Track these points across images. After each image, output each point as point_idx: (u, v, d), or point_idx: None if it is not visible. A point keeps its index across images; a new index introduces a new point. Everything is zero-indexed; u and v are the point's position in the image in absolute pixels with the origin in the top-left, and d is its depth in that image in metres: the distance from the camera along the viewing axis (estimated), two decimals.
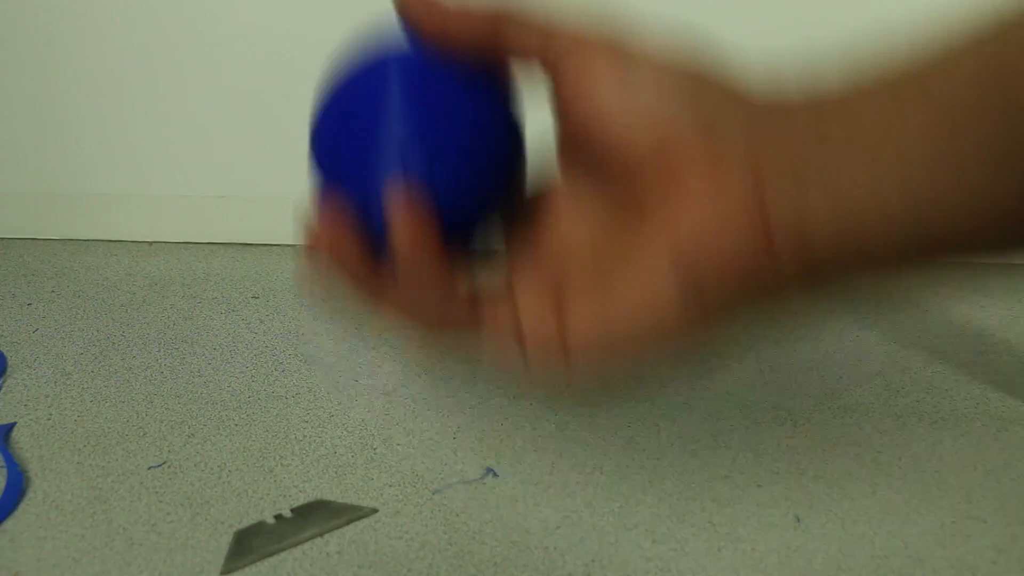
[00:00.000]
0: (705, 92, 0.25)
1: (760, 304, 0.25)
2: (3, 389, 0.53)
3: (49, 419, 0.50)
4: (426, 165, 0.28)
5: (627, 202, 0.26)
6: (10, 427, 0.49)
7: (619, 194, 0.26)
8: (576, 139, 0.28)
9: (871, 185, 0.22)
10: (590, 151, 0.27)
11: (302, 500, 0.43)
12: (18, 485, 0.44)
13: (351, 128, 0.29)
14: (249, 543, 0.40)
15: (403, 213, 0.27)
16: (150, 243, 0.75)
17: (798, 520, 0.42)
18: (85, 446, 0.47)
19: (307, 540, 0.41)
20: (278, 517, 0.42)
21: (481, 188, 0.29)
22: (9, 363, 0.56)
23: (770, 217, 0.23)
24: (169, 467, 0.46)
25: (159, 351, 0.58)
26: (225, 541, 0.41)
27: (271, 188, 0.74)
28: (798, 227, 0.23)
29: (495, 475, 0.45)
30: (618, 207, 0.27)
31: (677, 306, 0.24)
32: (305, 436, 0.49)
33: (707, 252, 0.23)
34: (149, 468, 0.46)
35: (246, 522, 0.42)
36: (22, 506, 0.43)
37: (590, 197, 0.28)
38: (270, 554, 0.40)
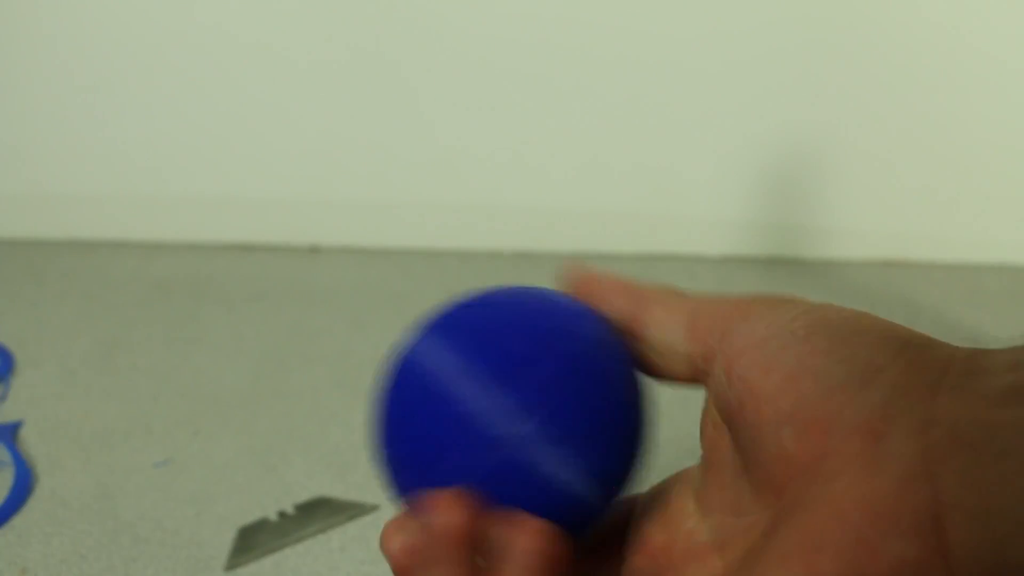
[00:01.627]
0: (876, 368, 0.19)
1: None
2: (11, 388, 0.53)
3: (56, 417, 0.50)
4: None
5: (766, 501, 0.21)
6: (17, 425, 0.49)
7: (757, 490, 0.21)
8: (724, 424, 0.23)
9: None
10: (737, 438, 0.22)
11: (305, 497, 0.44)
12: (25, 482, 0.44)
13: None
14: (253, 539, 0.41)
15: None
16: (155, 244, 0.76)
17: None
18: (91, 444, 0.48)
19: (310, 536, 0.41)
20: (281, 514, 0.43)
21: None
22: (16, 362, 0.56)
23: (947, 535, 0.17)
24: (174, 464, 0.47)
25: (164, 350, 0.58)
26: (229, 537, 0.41)
27: (275, 189, 0.74)
28: (989, 551, 0.16)
29: None
30: (753, 507, 0.21)
31: None
32: (308, 434, 0.49)
33: (855, 572, 0.18)
34: (154, 465, 0.46)
35: (250, 519, 0.42)
36: (29, 503, 0.43)
37: (726, 490, 0.23)
38: (274, 550, 0.40)
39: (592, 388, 0.23)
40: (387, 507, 0.43)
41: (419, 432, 0.24)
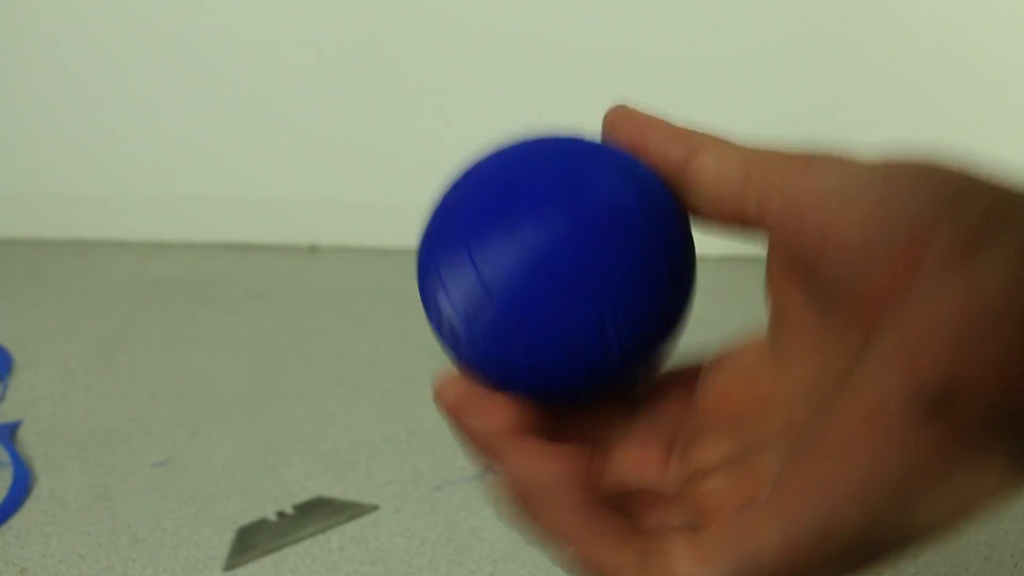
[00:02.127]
0: (965, 196, 0.19)
1: None
2: (9, 388, 0.53)
3: (54, 417, 0.50)
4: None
5: (854, 341, 0.20)
6: (16, 425, 0.49)
7: (843, 334, 0.21)
8: (796, 274, 0.22)
9: None
10: (815, 285, 0.21)
11: (304, 497, 0.44)
12: (24, 482, 0.44)
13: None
14: (252, 539, 0.41)
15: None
16: (154, 244, 0.76)
17: None
18: (90, 444, 0.48)
19: (309, 536, 0.41)
20: (280, 514, 0.43)
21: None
22: (15, 362, 0.56)
23: None
24: (173, 464, 0.46)
25: (163, 350, 0.58)
26: (228, 537, 0.41)
27: (274, 188, 0.74)
28: None
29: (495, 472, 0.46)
30: (840, 351, 0.21)
31: (918, 444, 0.18)
32: (307, 434, 0.49)
33: (960, 370, 0.17)
34: (153, 465, 0.46)
35: (249, 519, 0.42)
36: (28, 503, 0.43)
37: (805, 343, 0.22)
38: (273, 550, 0.40)
39: (632, 234, 0.23)
40: (386, 508, 0.43)
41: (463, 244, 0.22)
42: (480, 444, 0.23)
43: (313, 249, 0.75)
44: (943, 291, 0.18)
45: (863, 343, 0.19)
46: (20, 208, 0.75)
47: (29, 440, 0.48)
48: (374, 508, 0.43)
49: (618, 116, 0.26)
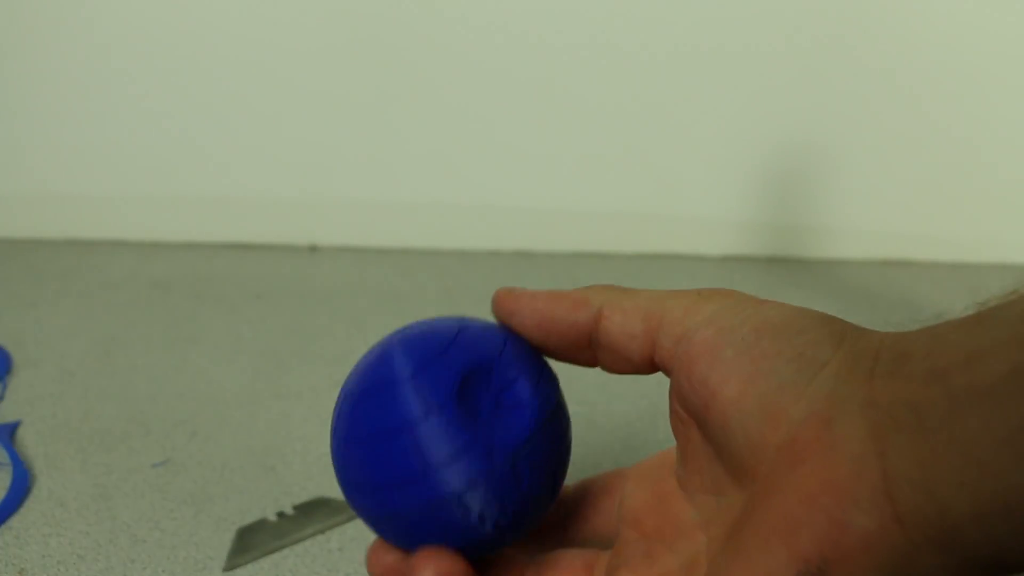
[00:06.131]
0: (824, 362, 0.22)
1: None
2: (8, 388, 0.53)
3: (54, 417, 0.50)
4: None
5: (741, 482, 0.23)
6: (15, 425, 0.49)
7: (733, 478, 0.24)
8: (692, 416, 0.25)
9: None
10: (705, 431, 0.25)
11: (304, 497, 0.44)
12: (23, 483, 0.44)
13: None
14: (251, 540, 0.41)
15: None
16: (154, 244, 0.76)
17: None
18: (89, 444, 0.48)
19: (309, 537, 0.41)
20: (280, 514, 0.42)
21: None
22: (14, 362, 0.56)
23: (899, 505, 0.19)
24: (172, 465, 0.46)
25: (162, 350, 0.58)
26: (228, 538, 0.41)
27: (273, 188, 0.74)
28: (935, 515, 0.18)
29: None
30: (733, 488, 0.24)
31: None
32: (307, 434, 0.49)
33: (830, 546, 0.19)
34: (153, 466, 0.46)
35: (248, 519, 0.42)
36: (27, 503, 0.43)
37: (704, 474, 0.26)
38: (272, 551, 0.40)
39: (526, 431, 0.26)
40: None
41: (368, 455, 0.28)
42: None
43: (313, 249, 0.75)
44: (808, 462, 0.20)
45: (749, 502, 0.22)
46: (18, 207, 0.75)
47: (28, 440, 0.48)
48: None
49: (512, 300, 0.28)
